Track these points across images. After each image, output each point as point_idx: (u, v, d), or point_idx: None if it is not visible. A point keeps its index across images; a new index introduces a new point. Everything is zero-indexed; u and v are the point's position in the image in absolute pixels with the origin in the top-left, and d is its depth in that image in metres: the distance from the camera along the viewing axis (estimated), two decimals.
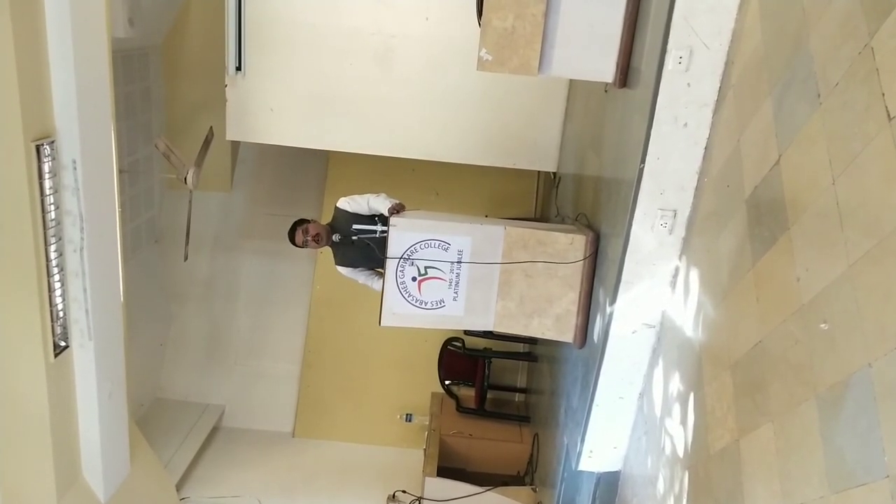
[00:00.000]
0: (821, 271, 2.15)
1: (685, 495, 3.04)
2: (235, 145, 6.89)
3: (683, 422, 3.13)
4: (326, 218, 4.39)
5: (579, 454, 3.90)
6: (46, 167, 3.61)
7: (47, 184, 3.64)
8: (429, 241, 3.91)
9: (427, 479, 5.61)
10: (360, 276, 4.29)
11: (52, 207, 3.72)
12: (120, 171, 4.39)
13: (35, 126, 3.54)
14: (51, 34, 3.50)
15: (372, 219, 4.12)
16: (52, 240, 3.75)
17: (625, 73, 3.56)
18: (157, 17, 6.22)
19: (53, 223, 3.74)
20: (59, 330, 3.93)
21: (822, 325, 2.10)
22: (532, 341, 6.32)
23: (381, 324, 4.05)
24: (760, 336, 2.50)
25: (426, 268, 3.94)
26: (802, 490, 2.15)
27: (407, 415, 6.70)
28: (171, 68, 6.63)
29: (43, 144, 3.57)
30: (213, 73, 5.77)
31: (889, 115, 1.89)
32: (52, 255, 3.77)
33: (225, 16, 5.31)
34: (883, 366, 1.83)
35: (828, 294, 2.10)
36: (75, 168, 3.74)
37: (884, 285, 1.87)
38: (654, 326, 3.51)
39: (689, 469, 3.03)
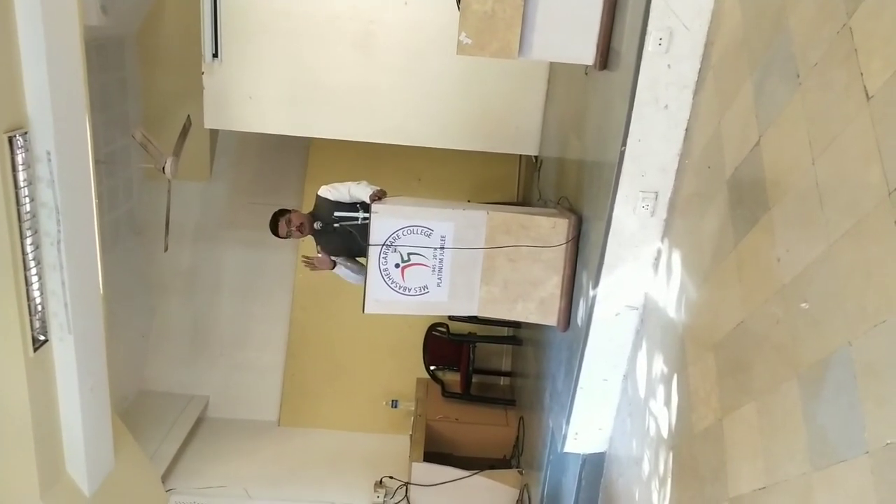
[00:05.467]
0: (801, 251, 2.17)
1: (670, 475, 3.07)
2: (214, 133, 6.80)
3: (667, 402, 3.15)
4: (308, 206, 4.36)
5: (565, 436, 3.93)
6: (20, 159, 3.54)
7: (21, 176, 3.58)
8: (411, 228, 3.89)
9: (414, 464, 5.63)
10: (338, 269, 4.26)
11: (27, 200, 3.65)
12: (97, 162, 4.32)
13: (6, 117, 3.47)
14: (21, 22, 3.42)
15: (354, 206, 4.10)
16: (28, 233, 3.69)
17: (605, 55, 3.55)
18: (131, 5, 6.10)
19: (29, 216, 3.68)
20: (37, 324, 3.88)
21: (803, 305, 2.12)
22: (516, 325, 6.34)
23: (365, 311, 4.04)
24: (742, 316, 2.52)
25: (409, 254, 3.93)
26: (785, 467, 2.17)
27: (392, 401, 6.70)
28: (146, 56, 6.51)
29: (15, 136, 3.50)
30: (189, 60, 5.68)
31: (868, 95, 1.90)
32: (29, 249, 3.71)
33: (200, 2, 5.22)
34: (863, 344, 1.85)
35: (808, 274, 2.12)
36: (49, 159, 3.67)
37: (863, 264, 1.88)
38: (637, 309, 3.53)
39: (674, 449, 3.06)
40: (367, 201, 3.96)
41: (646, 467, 3.34)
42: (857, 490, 1.83)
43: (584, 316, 3.68)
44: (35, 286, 3.80)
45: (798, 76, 2.26)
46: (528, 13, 3.47)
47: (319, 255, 4.19)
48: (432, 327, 6.62)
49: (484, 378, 6.86)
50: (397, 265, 3.94)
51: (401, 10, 5.34)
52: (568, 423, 3.88)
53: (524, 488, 5.23)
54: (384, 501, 5.66)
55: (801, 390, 2.12)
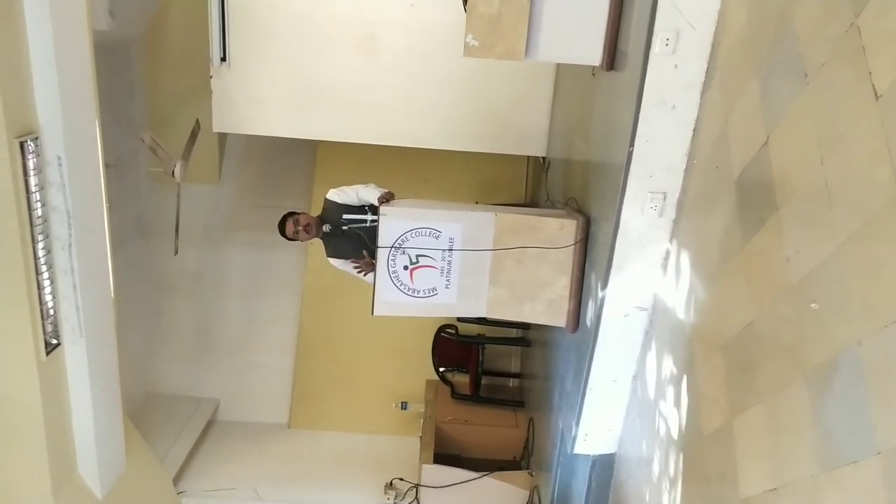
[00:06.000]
0: (810, 252, 2.16)
1: (680, 476, 3.06)
2: (223, 137, 6.83)
3: (677, 404, 3.15)
4: (316, 209, 4.37)
5: (574, 438, 3.93)
6: (31, 164, 3.57)
7: (32, 180, 3.60)
8: (419, 230, 3.90)
9: (424, 466, 5.63)
10: (351, 268, 4.28)
11: (39, 204, 3.68)
12: (105, 166, 4.35)
13: (18, 122, 3.49)
14: (30, 28, 3.44)
15: (362, 209, 4.11)
16: (40, 237, 3.72)
17: (612, 56, 3.54)
18: (139, 9, 6.13)
19: (40, 220, 3.71)
20: (49, 328, 3.90)
21: (813, 306, 2.11)
22: (525, 326, 6.33)
23: (374, 313, 4.04)
24: (751, 317, 2.51)
25: (417, 256, 3.94)
26: (794, 469, 2.16)
27: (402, 403, 6.70)
28: (154, 60, 6.55)
29: (27, 141, 3.53)
30: (197, 64, 5.71)
31: (876, 94, 1.89)
32: (41, 253, 3.74)
33: (208, 5, 5.25)
34: (872, 344, 1.85)
35: (817, 274, 2.11)
36: (60, 164, 3.70)
37: (872, 264, 1.88)
38: (646, 309, 3.52)
39: (684, 450, 3.05)
40: (376, 204, 3.97)
41: (656, 468, 3.34)
42: (866, 491, 1.83)
43: (593, 317, 3.68)
44: (47, 290, 3.82)
45: (806, 75, 2.25)
46: (534, 15, 3.47)
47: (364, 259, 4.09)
48: (441, 329, 6.62)
49: (493, 380, 6.85)
50: (406, 267, 3.95)
51: (407, 13, 5.35)
52: (578, 424, 3.87)
53: (534, 490, 5.23)
54: (394, 503, 5.66)
55: (809, 391, 2.11)
